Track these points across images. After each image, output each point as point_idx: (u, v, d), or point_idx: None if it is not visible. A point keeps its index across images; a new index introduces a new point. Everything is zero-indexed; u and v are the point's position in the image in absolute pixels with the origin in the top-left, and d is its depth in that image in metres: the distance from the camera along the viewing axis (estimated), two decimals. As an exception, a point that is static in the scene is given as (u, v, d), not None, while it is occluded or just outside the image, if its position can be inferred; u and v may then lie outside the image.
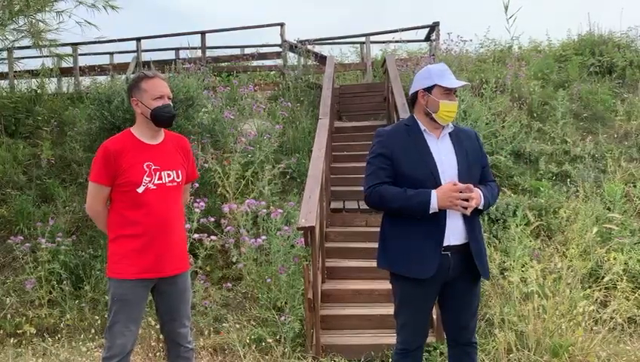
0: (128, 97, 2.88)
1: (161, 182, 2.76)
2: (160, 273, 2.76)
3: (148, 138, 2.82)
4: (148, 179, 2.74)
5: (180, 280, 2.85)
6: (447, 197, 2.51)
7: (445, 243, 2.59)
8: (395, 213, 2.68)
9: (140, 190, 2.71)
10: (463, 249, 2.62)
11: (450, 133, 2.72)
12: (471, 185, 2.56)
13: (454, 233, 2.61)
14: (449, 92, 2.64)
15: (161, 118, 2.77)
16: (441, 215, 2.57)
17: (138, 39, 11.54)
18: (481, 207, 2.61)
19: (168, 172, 2.80)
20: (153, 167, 2.76)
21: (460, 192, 2.52)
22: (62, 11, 8.81)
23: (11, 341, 4.64)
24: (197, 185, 5.91)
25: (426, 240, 2.59)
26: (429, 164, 2.62)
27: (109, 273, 2.78)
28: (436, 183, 2.58)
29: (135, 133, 2.82)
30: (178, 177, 2.84)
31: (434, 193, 2.54)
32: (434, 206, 2.53)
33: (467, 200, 2.52)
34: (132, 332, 2.74)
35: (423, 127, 2.71)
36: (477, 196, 2.56)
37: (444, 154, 2.65)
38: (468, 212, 2.54)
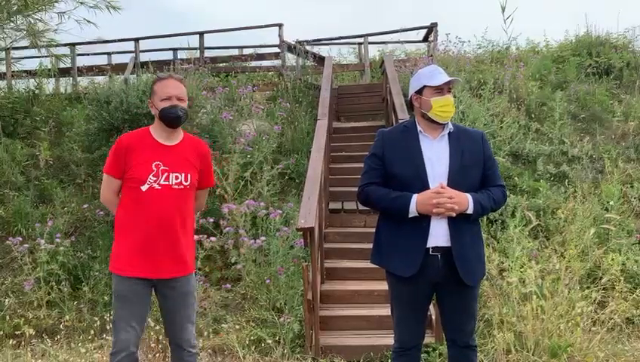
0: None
1: (167, 183, 2.76)
2: (156, 274, 2.75)
3: (163, 138, 2.83)
4: (154, 178, 2.74)
5: (178, 284, 2.82)
6: (426, 204, 2.52)
7: (433, 244, 2.59)
8: (385, 212, 2.72)
9: (144, 188, 2.72)
10: (450, 251, 2.61)
11: (449, 134, 2.70)
12: (451, 192, 2.52)
13: (440, 235, 2.60)
14: (439, 90, 2.65)
15: (166, 119, 2.79)
16: (425, 217, 2.57)
17: (136, 40, 11.50)
18: (470, 211, 2.57)
19: (177, 174, 2.78)
20: (162, 167, 2.76)
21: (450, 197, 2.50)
22: (63, 12, 8.79)
23: (10, 342, 4.62)
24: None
25: (410, 240, 2.61)
26: (418, 164, 2.62)
27: (110, 267, 2.81)
28: (423, 184, 2.58)
29: (152, 132, 2.85)
30: (187, 180, 2.81)
31: (414, 198, 2.55)
32: (413, 210, 2.55)
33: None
34: (134, 328, 2.74)
35: (419, 129, 2.71)
36: (461, 202, 2.53)
37: (436, 156, 2.64)
38: (453, 214, 2.53)
